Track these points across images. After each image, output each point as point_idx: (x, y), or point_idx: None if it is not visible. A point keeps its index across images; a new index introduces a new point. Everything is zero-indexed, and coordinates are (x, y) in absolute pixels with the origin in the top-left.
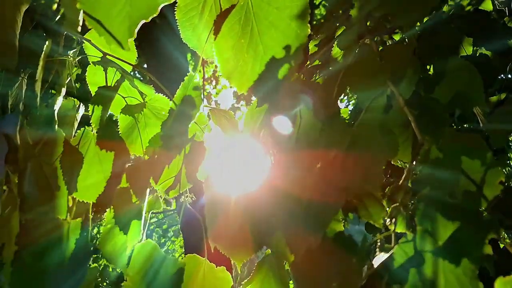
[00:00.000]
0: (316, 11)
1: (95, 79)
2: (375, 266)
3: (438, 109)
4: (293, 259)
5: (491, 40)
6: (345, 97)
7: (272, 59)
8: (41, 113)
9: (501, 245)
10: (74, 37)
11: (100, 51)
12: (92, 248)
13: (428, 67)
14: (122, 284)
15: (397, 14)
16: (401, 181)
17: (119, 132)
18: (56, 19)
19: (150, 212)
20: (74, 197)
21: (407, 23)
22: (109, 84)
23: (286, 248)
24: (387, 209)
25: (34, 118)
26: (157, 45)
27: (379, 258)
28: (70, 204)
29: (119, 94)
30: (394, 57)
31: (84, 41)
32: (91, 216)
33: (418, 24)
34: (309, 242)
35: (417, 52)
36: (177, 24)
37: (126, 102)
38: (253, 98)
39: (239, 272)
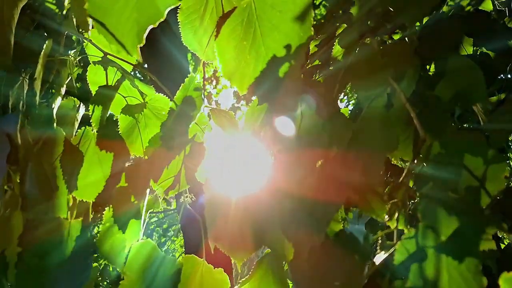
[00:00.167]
0: (316, 11)
1: (95, 78)
2: (377, 264)
3: (440, 106)
4: (293, 259)
5: (491, 40)
6: (345, 97)
7: (273, 58)
8: (41, 113)
9: (501, 246)
10: (74, 37)
11: (101, 50)
12: (93, 248)
13: (428, 67)
14: (120, 282)
15: (397, 11)
16: (401, 178)
17: (119, 132)
18: (58, 20)
19: (150, 212)
20: (75, 196)
21: (407, 20)
22: (109, 84)
23: (285, 248)
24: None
25: (34, 117)
26: (157, 45)
27: (381, 256)
28: (71, 204)
29: (119, 94)
30: (395, 55)
31: (85, 41)
32: (91, 216)
33: (418, 24)
34: (313, 241)
35: (418, 51)
36: (178, 25)
37: (127, 102)
38: (254, 97)
39: (239, 272)
